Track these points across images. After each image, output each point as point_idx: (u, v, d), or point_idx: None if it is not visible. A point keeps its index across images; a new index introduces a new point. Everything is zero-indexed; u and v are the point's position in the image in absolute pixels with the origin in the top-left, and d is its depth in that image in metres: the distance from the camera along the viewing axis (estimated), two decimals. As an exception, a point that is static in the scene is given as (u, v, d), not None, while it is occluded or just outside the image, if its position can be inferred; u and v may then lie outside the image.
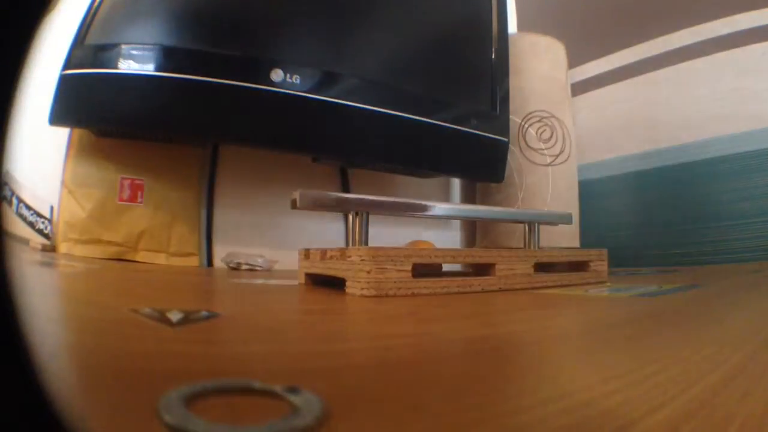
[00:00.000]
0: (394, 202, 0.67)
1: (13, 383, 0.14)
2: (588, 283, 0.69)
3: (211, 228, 1.01)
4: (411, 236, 1.06)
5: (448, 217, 1.19)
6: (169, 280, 0.74)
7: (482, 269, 0.62)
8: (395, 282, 0.53)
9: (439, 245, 1.13)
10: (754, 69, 1.15)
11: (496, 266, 0.61)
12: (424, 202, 0.68)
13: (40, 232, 0.94)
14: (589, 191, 1.30)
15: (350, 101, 0.88)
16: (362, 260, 0.52)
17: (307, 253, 0.67)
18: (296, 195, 0.58)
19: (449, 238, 1.33)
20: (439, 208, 0.71)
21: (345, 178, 1.15)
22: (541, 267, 0.66)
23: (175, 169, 0.99)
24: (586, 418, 0.17)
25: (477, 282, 0.60)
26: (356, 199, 0.62)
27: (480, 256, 0.63)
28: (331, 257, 0.60)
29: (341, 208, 0.64)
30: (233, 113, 0.81)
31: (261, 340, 0.32)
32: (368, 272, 0.51)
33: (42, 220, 0.95)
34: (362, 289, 0.52)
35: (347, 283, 0.54)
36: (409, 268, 0.54)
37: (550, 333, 0.38)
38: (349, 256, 0.54)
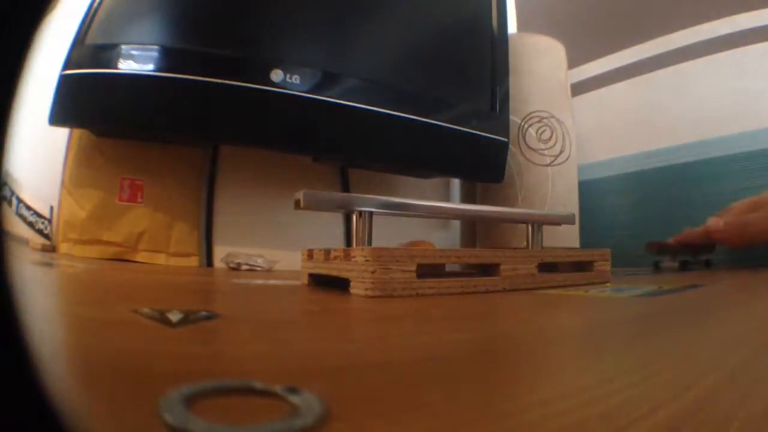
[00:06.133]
0: (398, 202, 0.67)
1: (13, 383, 0.14)
2: (591, 284, 0.69)
3: (211, 228, 1.01)
4: (410, 236, 1.06)
5: (451, 217, 1.19)
6: (169, 280, 0.74)
7: (486, 269, 0.62)
8: (400, 282, 0.53)
9: (438, 245, 1.13)
10: (754, 69, 1.15)
11: (501, 266, 0.61)
12: (429, 203, 0.68)
13: (40, 232, 0.94)
14: (589, 191, 1.30)
15: (350, 101, 0.88)
16: (366, 260, 0.52)
17: (310, 254, 0.67)
18: (300, 195, 0.58)
19: (448, 238, 1.33)
20: (444, 208, 0.71)
21: (345, 178, 1.15)
22: (544, 267, 0.66)
23: (175, 169, 0.99)
24: (586, 419, 0.17)
25: (481, 282, 0.59)
26: (360, 198, 0.62)
27: (485, 256, 0.63)
28: (335, 257, 0.60)
29: (345, 208, 0.64)
30: (233, 113, 0.81)
31: (261, 340, 0.32)
32: (373, 272, 0.51)
33: (42, 220, 0.95)
34: (366, 289, 0.51)
35: (351, 284, 0.54)
36: (414, 268, 0.53)
37: (551, 333, 0.38)
38: (354, 257, 0.54)
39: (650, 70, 1.32)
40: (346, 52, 0.94)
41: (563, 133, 1.19)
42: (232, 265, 0.94)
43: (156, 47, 0.79)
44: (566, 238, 1.12)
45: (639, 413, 0.18)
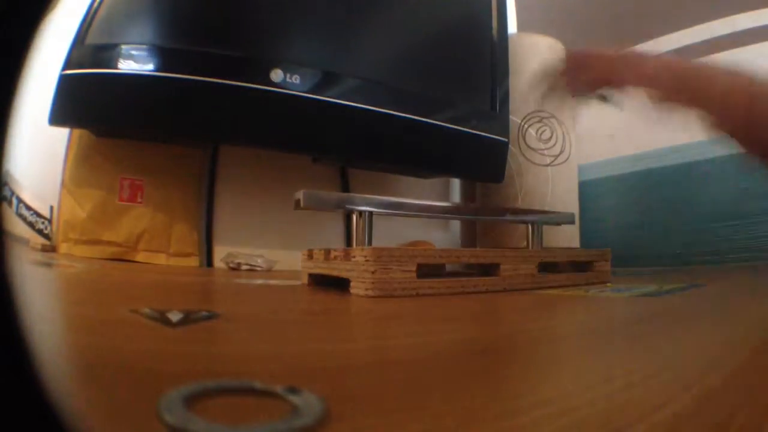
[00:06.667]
0: (398, 202, 0.67)
1: (13, 383, 0.13)
2: (591, 284, 0.69)
3: (211, 228, 1.01)
4: (410, 236, 1.06)
5: (451, 217, 1.19)
6: (169, 280, 0.74)
7: (486, 269, 0.62)
8: (400, 282, 0.53)
9: (438, 245, 1.13)
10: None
11: (501, 267, 0.61)
12: (429, 203, 0.68)
13: (40, 232, 0.94)
14: (589, 191, 1.30)
15: (350, 101, 0.88)
16: (366, 260, 0.52)
17: (310, 254, 0.67)
18: (299, 195, 0.58)
19: (448, 238, 1.33)
20: (444, 208, 0.70)
21: (345, 178, 1.15)
22: (544, 267, 0.66)
23: (175, 169, 0.99)
24: (586, 418, 0.17)
25: (481, 282, 0.59)
26: (360, 198, 0.62)
27: (484, 256, 0.63)
28: (335, 257, 0.60)
29: (345, 208, 0.64)
30: (233, 113, 0.81)
31: (261, 340, 0.32)
32: (373, 272, 0.51)
33: (42, 220, 0.95)
34: (367, 289, 0.51)
35: (352, 284, 0.54)
36: (414, 268, 0.53)
37: (551, 333, 0.38)
38: (354, 257, 0.54)
39: (650, 70, 1.32)
40: (347, 52, 0.94)
41: (563, 133, 1.19)
42: (232, 265, 0.94)
43: (156, 47, 0.79)
44: (566, 238, 1.12)
45: (639, 413, 0.18)
